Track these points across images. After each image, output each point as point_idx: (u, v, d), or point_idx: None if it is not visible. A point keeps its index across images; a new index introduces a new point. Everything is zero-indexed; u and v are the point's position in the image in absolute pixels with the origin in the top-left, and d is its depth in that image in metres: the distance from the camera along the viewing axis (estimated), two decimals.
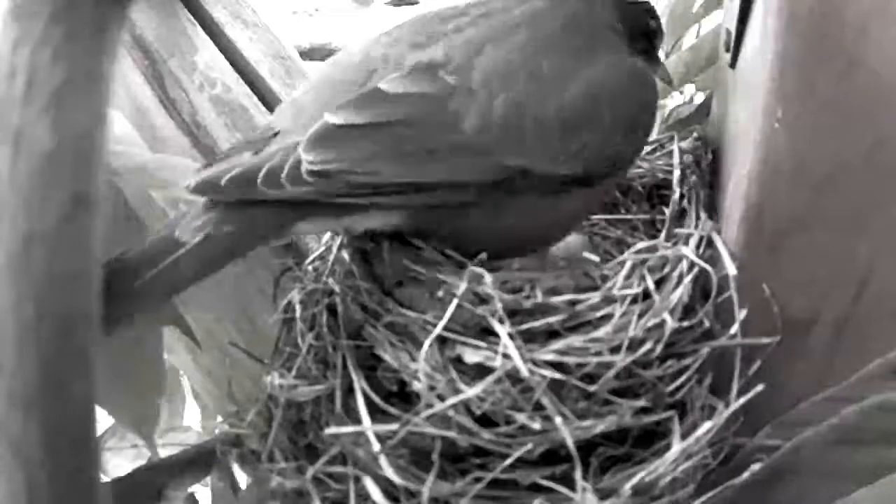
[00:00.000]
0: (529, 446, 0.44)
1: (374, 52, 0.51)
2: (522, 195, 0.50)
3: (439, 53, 0.50)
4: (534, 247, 0.55)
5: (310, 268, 0.57)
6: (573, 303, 0.48)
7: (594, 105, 0.51)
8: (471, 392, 0.45)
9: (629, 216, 0.66)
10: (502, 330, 0.46)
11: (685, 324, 0.48)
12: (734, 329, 0.48)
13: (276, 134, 0.49)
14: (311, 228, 0.50)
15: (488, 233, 0.51)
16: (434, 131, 0.48)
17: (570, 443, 0.43)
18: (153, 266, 0.45)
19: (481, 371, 0.46)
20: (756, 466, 0.43)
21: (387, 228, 0.51)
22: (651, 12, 0.59)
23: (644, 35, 0.58)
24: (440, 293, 0.48)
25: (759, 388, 0.46)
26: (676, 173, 0.59)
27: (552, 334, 0.47)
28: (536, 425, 0.44)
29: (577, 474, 0.43)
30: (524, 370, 0.44)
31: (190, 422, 0.85)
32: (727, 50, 0.57)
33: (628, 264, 0.50)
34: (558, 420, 0.44)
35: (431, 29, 0.52)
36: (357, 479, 0.46)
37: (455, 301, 0.47)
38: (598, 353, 0.46)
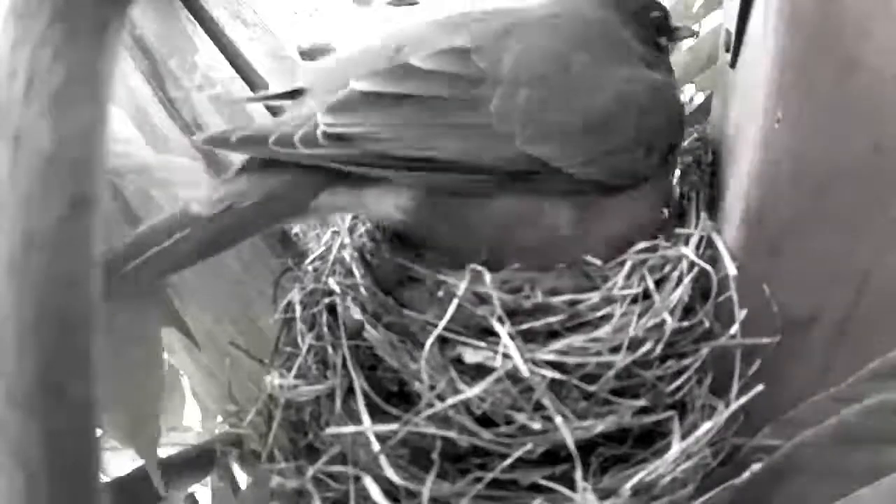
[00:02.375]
0: (529, 446, 0.44)
1: (402, 35, 0.51)
2: (537, 196, 0.49)
3: (468, 40, 0.50)
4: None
5: (310, 268, 0.57)
6: (573, 303, 0.48)
7: (622, 115, 0.51)
8: (471, 392, 0.45)
9: None
10: (502, 330, 0.46)
11: (685, 324, 0.48)
12: (734, 329, 0.48)
13: (299, 92, 0.49)
14: (332, 203, 0.49)
15: (496, 236, 0.49)
16: (460, 109, 0.47)
17: (570, 443, 0.43)
18: (160, 241, 0.44)
19: (481, 371, 0.46)
20: (756, 466, 0.43)
21: (403, 216, 0.49)
22: (660, 6, 0.59)
23: (654, 40, 0.58)
24: (440, 293, 0.48)
25: (759, 388, 0.46)
26: (676, 173, 0.59)
27: (552, 334, 0.47)
28: (537, 425, 0.44)
29: (578, 474, 0.43)
30: (524, 370, 0.44)
31: (190, 422, 0.85)
32: (727, 50, 0.57)
33: (628, 264, 0.50)
34: (558, 420, 0.44)
35: (457, 21, 0.52)
36: (357, 479, 0.46)
37: (455, 301, 0.47)
38: (598, 353, 0.46)
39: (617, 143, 0.50)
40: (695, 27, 0.79)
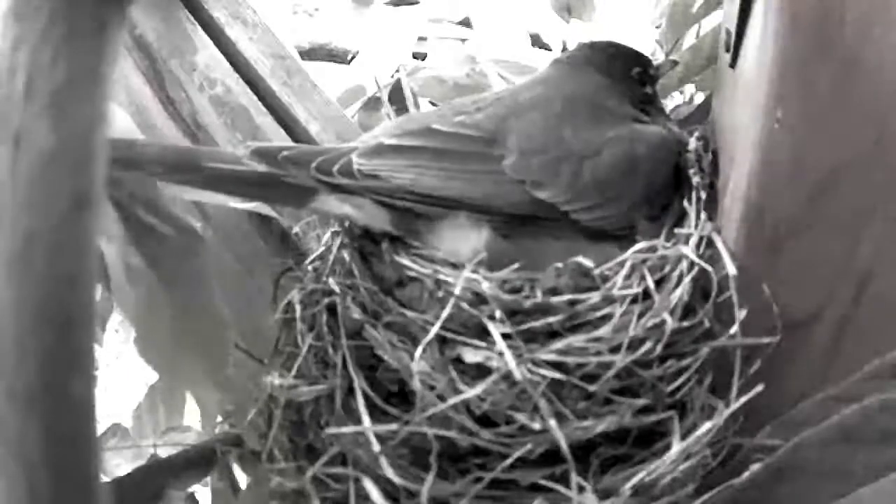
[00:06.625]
0: (529, 446, 0.44)
1: (428, 114, 0.58)
2: (550, 239, 0.52)
3: (477, 118, 0.55)
4: None
5: (310, 268, 0.57)
6: (573, 303, 0.48)
7: (628, 171, 0.55)
8: (471, 392, 0.45)
9: None
10: (496, 331, 0.46)
11: (685, 324, 0.48)
12: (734, 329, 0.48)
13: None
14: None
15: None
16: (476, 161, 0.53)
17: (563, 446, 0.43)
18: (210, 160, 0.51)
19: (481, 371, 0.46)
20: (756, 466, 0.43)
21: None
22: (640, 61, 0.63)
23: (641, 94, 0.62)
24: (440, 293, 0.48)
25: (759, 388, 0.46)
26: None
27: (552, 334, 0.47)
28: (536, 425, 0.44)
29: (573, 475, 0.43)
30: (517, 373, 0.44)
31: (190, 422, 0.85)
32: (727, 50, 0.57)
33: (628, 264, 0.50)
34: (552, 423, 0.44)
35: (460, 108, 0.58)
36: (357, 480, 0.46)
37: (451, 301, 0.47)
38: (598, 353, 0.46)
39: (623, 196, 0.54)
40: (695, 27, 0.79)
